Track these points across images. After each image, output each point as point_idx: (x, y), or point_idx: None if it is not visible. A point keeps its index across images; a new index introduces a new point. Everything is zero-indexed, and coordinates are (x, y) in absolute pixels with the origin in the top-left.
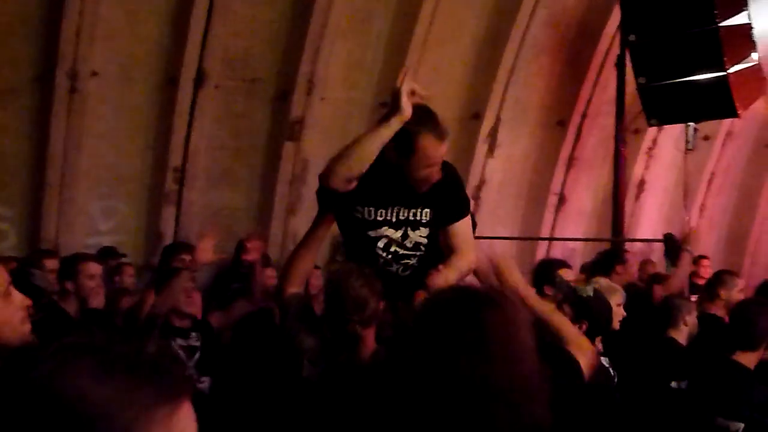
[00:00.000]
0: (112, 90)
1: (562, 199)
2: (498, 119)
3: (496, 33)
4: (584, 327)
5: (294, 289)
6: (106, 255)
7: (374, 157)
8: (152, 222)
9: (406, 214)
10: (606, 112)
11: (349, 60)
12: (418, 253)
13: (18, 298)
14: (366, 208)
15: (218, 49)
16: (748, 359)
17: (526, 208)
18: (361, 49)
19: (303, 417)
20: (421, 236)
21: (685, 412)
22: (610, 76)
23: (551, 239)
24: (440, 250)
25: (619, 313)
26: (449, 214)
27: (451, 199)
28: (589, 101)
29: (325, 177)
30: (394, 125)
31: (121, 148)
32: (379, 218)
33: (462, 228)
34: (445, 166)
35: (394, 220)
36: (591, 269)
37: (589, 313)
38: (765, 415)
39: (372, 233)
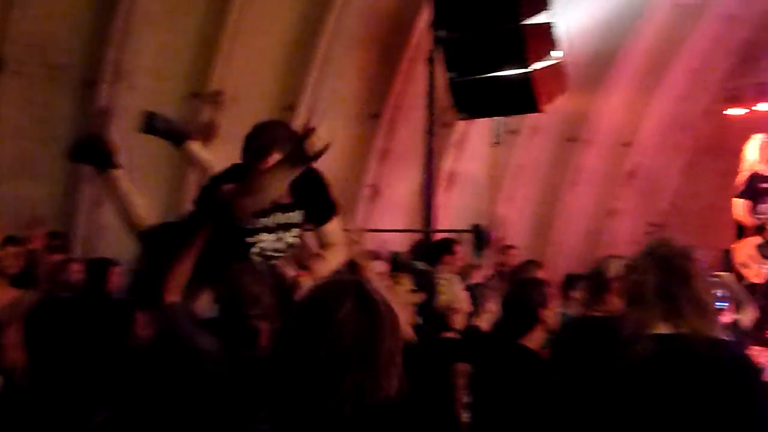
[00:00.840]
0: None
1: (375, 191)
2: (312, 111)
3: (310, 24)
4: (422, 297)
5: (173, 298)
6: None
7: None
8: None
9: (281, 219)
10: (418, 106)
11: (159, 49)
12: (288, 253)
13: None
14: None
15: (18, 34)
16: (529, 340)
17: (340, 200)
18: (171, 38)
19: (216, 411)
20: (293, 237)
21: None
22: (421, 69)
23: (363, 231)
24: None
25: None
26: (319, 215)
27: (320, 201)
28: (401, 94)
29: (232, 212)
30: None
31: None
32: (258, 226)
33: (333, 227)
34: (315, 171)
35: (270, 225)
36: (420, 260)
37: (426, 283)
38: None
39: (249, 239)
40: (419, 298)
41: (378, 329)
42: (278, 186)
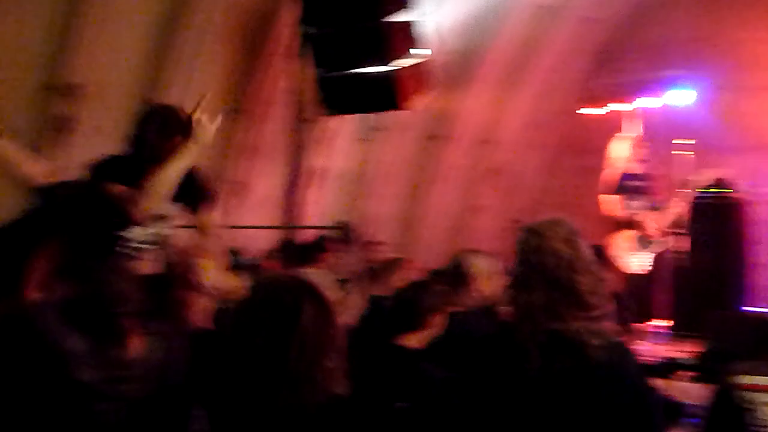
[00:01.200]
0: None
1: (241, 187)
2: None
3: (173, 17)
4: None
5: (34, 294)
6: None
7: None
8: None
9: (157, 210)
10: (285, 101)
11: (10, 39)
12: (160, 245)
13: None
14: None
15: None
16: (414, 340)
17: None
18: (23, 28)
19: (85, 418)
20: (166, 228)
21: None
22: (287, 65)
23: (228, 227)
24: None
25: None
26: (196, 203)
27: (196, 190)
28: (267, 90)
29: (131, 213)
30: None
31: None
32: None
33: (209, 214)
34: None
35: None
36: (295, 258)
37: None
38: (426, 391)
39: (123, 233)
40: None
41: (333, 328)
42: (175, 179)
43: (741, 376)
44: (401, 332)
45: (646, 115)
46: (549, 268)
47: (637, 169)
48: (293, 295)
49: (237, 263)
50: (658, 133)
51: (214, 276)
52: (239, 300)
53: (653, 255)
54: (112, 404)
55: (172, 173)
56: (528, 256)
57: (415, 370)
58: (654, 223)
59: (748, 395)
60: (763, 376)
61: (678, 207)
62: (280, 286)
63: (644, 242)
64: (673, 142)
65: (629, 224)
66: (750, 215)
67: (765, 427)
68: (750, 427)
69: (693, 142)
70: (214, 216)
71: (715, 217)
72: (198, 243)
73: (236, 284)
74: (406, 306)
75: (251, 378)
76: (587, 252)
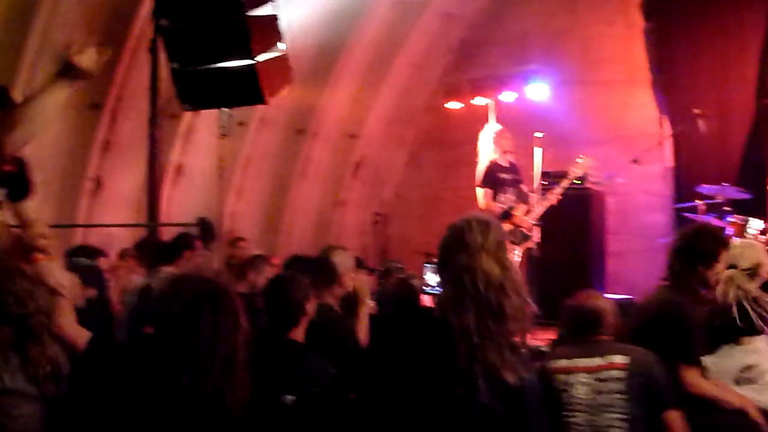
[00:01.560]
0: None
1: (98, 185)
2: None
3: (24, 6)
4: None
5: None
6: None
7: None
8: None
9: None
10: (142, 96)
11: None
12: None
13: None
14: None
15: None
16: (296, 333)
17: (60, 194)
18: None
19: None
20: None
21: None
22: (145, 59)
23: (85, 226)
24: None
25: None
26: (18, 192)
27: (19, 177)
28: (124, 84)
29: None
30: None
31: None
32: None
33: (29, 205)
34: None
35: None
36: (157, 254)
37: (94, 279)
38: (314, 385)
39: None
40: (89, 293)
41: (246, 323)
42: (51, 110)
43: (558, 360)
44: (285, 327)
45: (507, 109)
46: (480, 290)
47: (504, 161)
48: (229, 298)
49: (72, 264)
50: (519, 127)
51: (51, 270)
52: (166, 302)
53: (522, 249)
54: (37, 405)
55: (43, 104)
56: (459, 275)
57: (305, 363)
58: (523, 216)
59: (564, 377)
60: (579, 358)
61: (545, 200)
62: (212, 290)
63: (515, 237)
64: (535, 135)
65: (502, 217)
66: (602, 206)
67: (580, 404)
68: (566, 405)
69: (541, 135)
70: (33, 207)
71: (568, 208)
72: (27, 235)
73: (69, 282)
74: (282, 301)
75: (205, 377)
76: (514, 265)
